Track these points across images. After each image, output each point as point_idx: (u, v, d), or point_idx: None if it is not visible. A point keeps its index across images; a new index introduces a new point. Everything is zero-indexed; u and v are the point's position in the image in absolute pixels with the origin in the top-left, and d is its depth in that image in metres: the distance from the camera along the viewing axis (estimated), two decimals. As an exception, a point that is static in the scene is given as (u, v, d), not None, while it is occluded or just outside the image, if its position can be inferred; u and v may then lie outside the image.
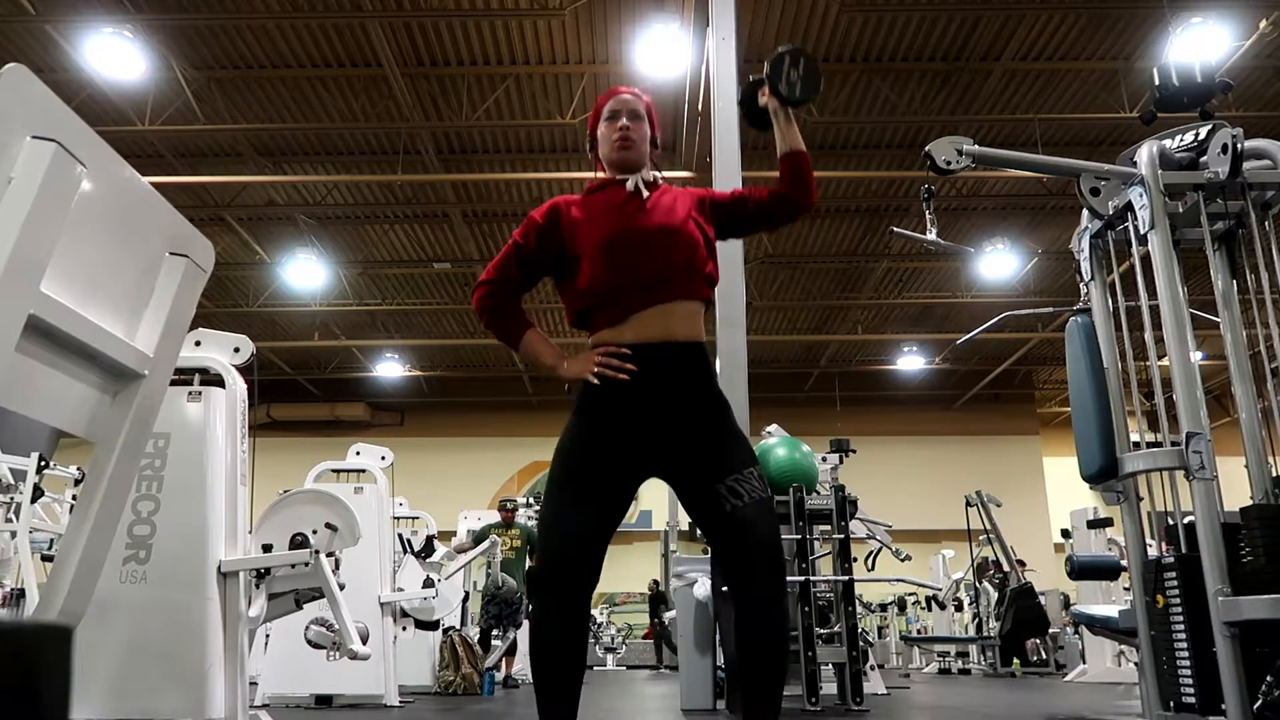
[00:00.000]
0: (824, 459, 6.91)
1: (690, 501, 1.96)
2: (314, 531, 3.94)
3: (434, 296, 16.40)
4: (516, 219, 13.54)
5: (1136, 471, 3.03)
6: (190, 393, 3.74)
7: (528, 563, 8.28)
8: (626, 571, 18.68)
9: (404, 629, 6.45)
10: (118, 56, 9.29)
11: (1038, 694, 6.88)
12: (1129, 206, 3.10)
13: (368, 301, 16.52)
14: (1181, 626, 2.78)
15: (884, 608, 15.38)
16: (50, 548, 6.68)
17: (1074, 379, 3.28)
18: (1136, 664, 3.95)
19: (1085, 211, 3.36)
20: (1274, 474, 2.95)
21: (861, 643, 5.66)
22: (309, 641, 4.38)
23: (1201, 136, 3.09)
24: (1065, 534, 9.75)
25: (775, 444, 5.75)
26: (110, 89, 10.26)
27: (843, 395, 20.25)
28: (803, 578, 5.22)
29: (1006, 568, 9.84)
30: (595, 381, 1.96)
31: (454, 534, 9.80)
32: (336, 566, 4.16)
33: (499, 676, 8.16)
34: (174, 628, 3.44)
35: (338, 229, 13.87)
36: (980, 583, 11.86)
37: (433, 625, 6.72)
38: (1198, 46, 8.83)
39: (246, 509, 3.88)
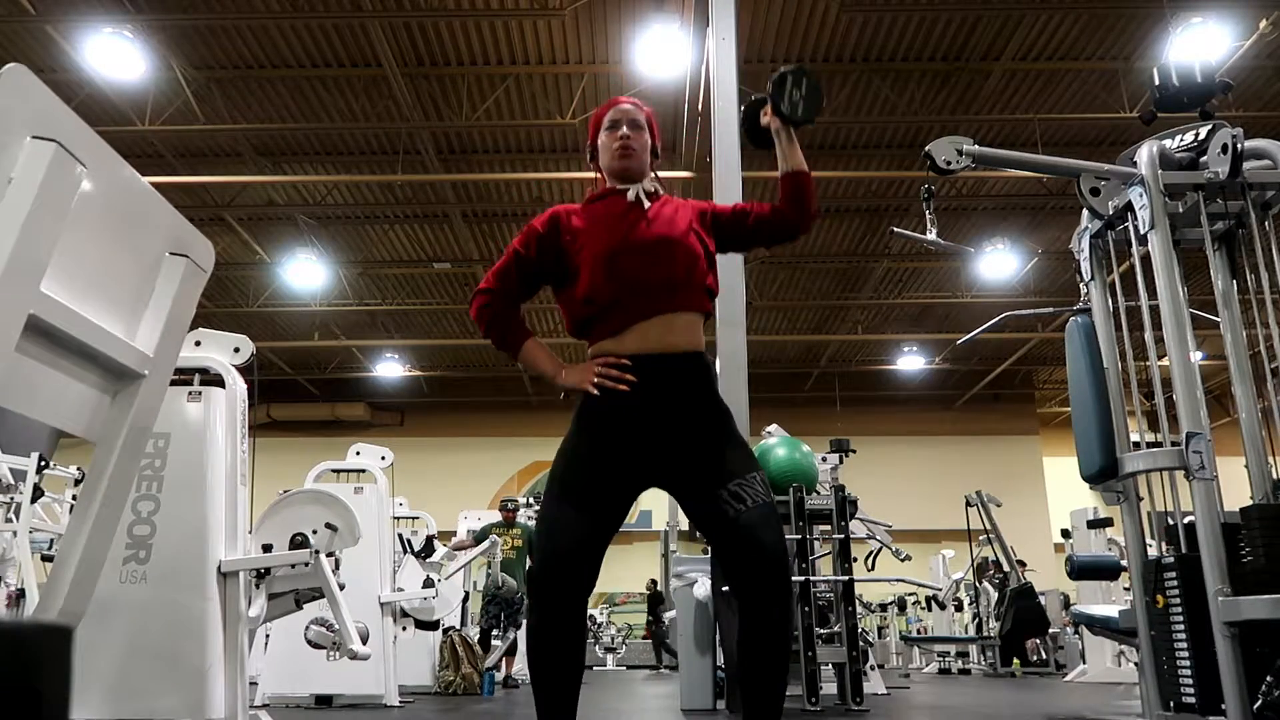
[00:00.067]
0: (824, 459, 6.91)
1: (693, 509, 1.95)
2: (314, 531, 3.94)
3: (434, 296, 16.41)
4: (516, 219, 13.55)
5: (1136, 471, 3.03)
6: (190, 393, 3.74)
7: (528, 562, 8.28)
8: (626, 571, 18.69)
9: (404, 629, 6.45)
10: (118, 56, 9.29)
11: (1038, 694, 6.89)
12: (1129, 206, 3.10)
13: (368, 301, 16.52)
14: (1181, 626, 2.78)
15: (884, 608, 15.38)
16: (50, 548, 6.68)
17: (1074, 379, 3.28)
18: (1136, 664, 3.95)
19: (1085, 211, 3.36)
20: (1274, 474, 2.95)
21: (861, 643, 5.66)
22: (309, 641, 4.38)
23: (1201, 136, 3.09)
24: (1065, 534, 9.75)
25: (775, 444, 5.75)
26: (110, 89, 10.26)
27: (843, 395, 20.26)
28: (803, 578, 5.22)
29: (1006, 568, 9.84)
30: (594, 392, 1.96)
31: (454, 534, 9.80)
32: (336, 566, 4.16)
33: (499, 676, 8.16)
34: (174, 628, 3.44)
35: (338, 229, 13.87)
36: (980, 583, 11.86)
37: (433, 625, 6.72)
38: (1198, 46, 8.83)
39: (246, 509, 3.88)
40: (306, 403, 20.39)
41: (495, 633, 8.14)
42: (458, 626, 8.06)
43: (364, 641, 4.06)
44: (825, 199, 13.07)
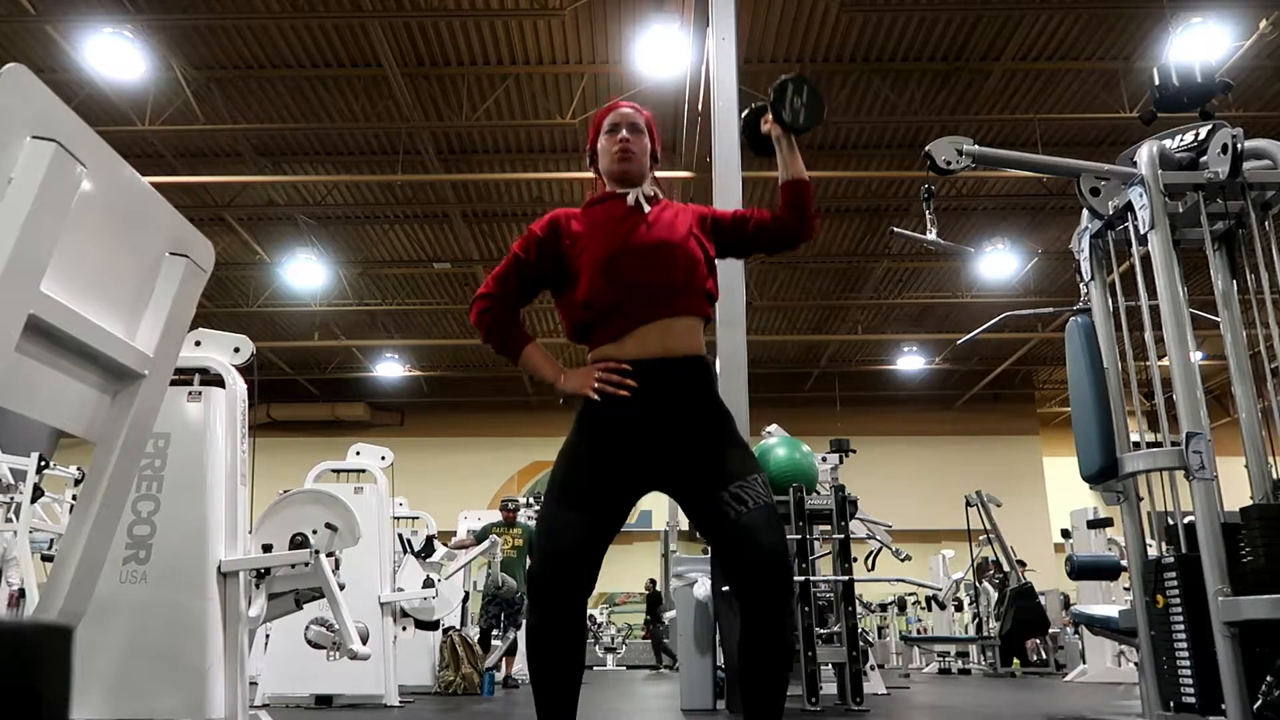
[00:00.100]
0: (824, 459, 6.91)
1: (694, 511, 1.94)
2: (314, 531, 3.94)
3: (434, 296, 16.41)
4: (516, 219, 13.55)
5: (1136, 471, 3.03)
6: (190, 393, 3.74)
7: (529, 562, 8.28)
8: (626, 571, 18.69)
9: (404, 629, 6.45)
10: (118, 56, 9.29)
11: (1038, 694, 6.89)
12: (1129, 206, 3.10)
13: (368, 301, 16.52)
14: (1181, 626, 2.78)
15: (884, 608, 15.38)
16: (50, 548, 6.68)
17: (1074, 379, 3.28)
18: (1136, 664, 3.95)
19: (1085, 211, 3.36)
20: (1274, 474, 2.95)
21: (861, 643, 5.66)
22: (309, 641, 4.38)
23: (1201, 136, 3.09)
24: (1065, 534, 9.75)
25: (775, 444, 5.75)
26: (110, 89, 10.26)
27: (843, 395, 20.26)
28: (803, 578, 5.22)
29: (1006, 568, 9.84)
30: (595, 397, 1.95)
31: (454, 534, 9.80)
32: (336, 566, 4.16)
33: (499, 676, 8.16)
34: (174, 628, 3.44)
35: (338, 229, 13.87)
36: (980, 583, 11.86)
37: (433, 625, 6.72)
38: (1198, 46, 8.83)
39: (246, 509, 3.88)
40: (306, 403, 20.39)
41: (495, 633, 8.14)
42: (458, 626, 8.06)
43: (364, 641, 4.06)
44: (825, 199, 13.07)
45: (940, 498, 18.46)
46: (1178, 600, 2.80)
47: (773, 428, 6.39)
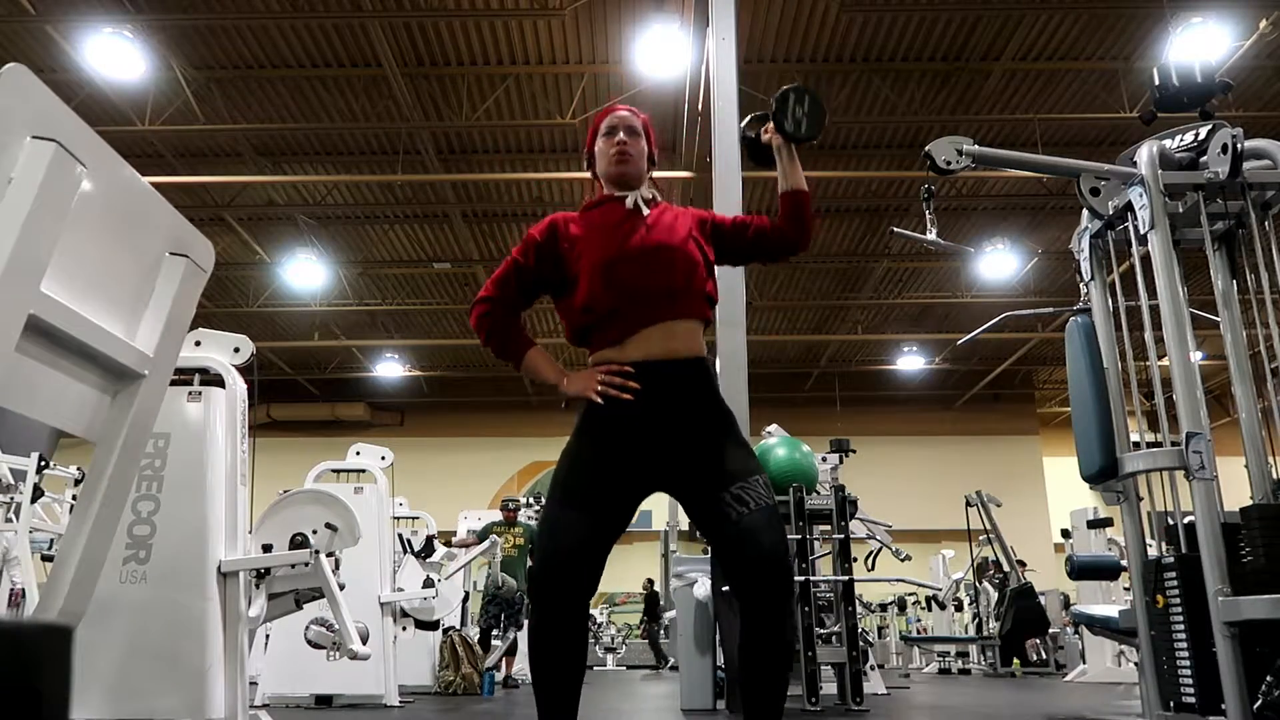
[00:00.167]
0: (824, 459, 6.91)
1: (696, 511, 1.95)
2: (314, 531, 3.94)
3: (434, 296, 16.41)
4: (516, 219, 13.55)
5: (1136, 471, 3.03)
6: (190, 393, 3.74)
7: (529, 562, 8.28)
8: (626, 572, 18.69)
9: (404, 629, 6.45)
10: (118, 56, 9.29)
11: (1038, 694, 6.89)
12: (1129, 206, 3.10)
13: (368, 301, 16.52)
14: (1181, 626, 2.78)
15: (884, 608, 15.38)
16: (50, 548, 6.68)
17: (1074, 379, 3.28)
18: (1136, 664, 3.95)
19: (1085, 211, 3.36)
20: (1274, 474, 2.95)
21: (861, 643, 5.66)
22: (309, 641, 4.38)
23: (1201, 136, 3.09)
24: (1065, 534, 9.75)
25: (775, 444, 5.75)
26: (110, 89, 10.26)
27: (843, 395, 20.26)
28: (803, 578, 5.22)
29: (1007, 568, 9.84)
30: (599, 400, 1.95)
31: (454, 534, 9.80)
32: (336, 566, 4.16)
33: (499, 676, 8.16)
34: (174, 628, 3.44)
35: (338, 229, 13.87)
36: (980, 583, 11.86)
37: (433, 625, 6.72)
38: (1198, 46, 8.83)
39: (246, 509, 3.88)
40: (306, 403, 20.39)
41: (495, 632, 8.14)
42: (457, 626, 8.06)
43: (364, 641, 4.06)
44: (825, 199, 13.07)
45: (940, 498, 18.46)
46: (1178, 600, 2.80)
47: (773, 428, 6.39)
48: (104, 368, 1.27)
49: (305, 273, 14.32)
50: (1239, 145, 2.91)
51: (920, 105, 10.88)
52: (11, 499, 6.34)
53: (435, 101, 10.81)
